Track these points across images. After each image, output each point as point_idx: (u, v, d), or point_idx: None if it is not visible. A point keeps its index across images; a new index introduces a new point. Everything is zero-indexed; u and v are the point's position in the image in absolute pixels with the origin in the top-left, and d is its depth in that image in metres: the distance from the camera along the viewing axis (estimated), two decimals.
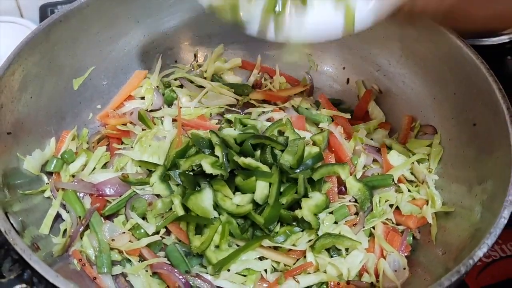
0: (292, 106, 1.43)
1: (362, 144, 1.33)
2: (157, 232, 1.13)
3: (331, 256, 1.12)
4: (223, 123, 1.42)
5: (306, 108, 1.41)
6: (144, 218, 1.16)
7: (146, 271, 1.09)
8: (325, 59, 1.52)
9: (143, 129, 1.33)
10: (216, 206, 1.12)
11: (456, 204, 1.15)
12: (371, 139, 1.35)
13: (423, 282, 1.06)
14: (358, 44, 1.44)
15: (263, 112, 1.42)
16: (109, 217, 1.18)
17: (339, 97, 1.49)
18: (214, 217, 1.11)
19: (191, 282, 1.06)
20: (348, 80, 1.49)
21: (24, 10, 1.91)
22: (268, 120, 1.38)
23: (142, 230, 1.12)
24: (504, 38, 1.79)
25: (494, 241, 0.90)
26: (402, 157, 1.29)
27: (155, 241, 1.11)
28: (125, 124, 1.34)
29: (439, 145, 1.26)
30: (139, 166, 1.25)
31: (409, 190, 1.24)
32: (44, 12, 1.87)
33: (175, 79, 1.48)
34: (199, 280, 1.06)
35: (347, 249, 1.13)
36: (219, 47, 1.53)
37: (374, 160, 1.33)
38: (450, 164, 1.23)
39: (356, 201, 1.22)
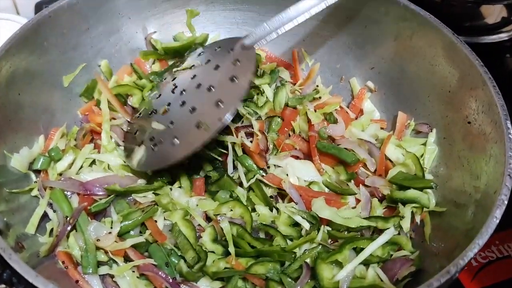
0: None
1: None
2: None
3: None
4: None
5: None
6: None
7: (133, 271, 1.07)
8: (319, 57, 1.49)
9: None
10: None
11: (450, 203, 1.13)
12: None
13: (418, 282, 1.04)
14: (352, 42, 1.42)
15: None
16: (97, 217, 1.16)
17: (334, 95, 1.46)
18: None
19: None
20: (342, 78, 1.47)
21: (20, 7, 1.90)
22: None
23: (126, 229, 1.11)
24: (503, 36, 1.77)
25: (486, 241, 0.88)
26: (399, 149, 1.27)
27: (141, 242, 1.10)
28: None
29: (434, 143, 1.24)
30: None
31: None
32: (39, 9, 1.85)
33: None
34: (185, 287, 1.06)
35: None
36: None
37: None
38: (444, 162, 1.21)
39: None
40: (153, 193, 1.21)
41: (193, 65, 1.29)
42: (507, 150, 0.97)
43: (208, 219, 1.19)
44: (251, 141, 1.28)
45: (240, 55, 1.18)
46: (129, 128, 1.32)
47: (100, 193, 1.17)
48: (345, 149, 1.26)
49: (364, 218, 1.14)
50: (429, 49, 1.24)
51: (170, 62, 1.47)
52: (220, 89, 1.15)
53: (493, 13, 1.82)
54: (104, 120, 1.27)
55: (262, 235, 1.18)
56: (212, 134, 1.10)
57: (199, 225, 1.17)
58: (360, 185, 1.23)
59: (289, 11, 1.14)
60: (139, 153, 1.21)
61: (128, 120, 1.33)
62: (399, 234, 1.14)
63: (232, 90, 1.12)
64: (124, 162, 1.25)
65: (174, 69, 1.34)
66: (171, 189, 1.22)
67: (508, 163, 0.96)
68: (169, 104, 1.24)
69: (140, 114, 1.31)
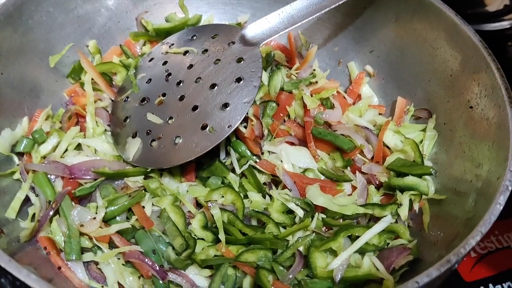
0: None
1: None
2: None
3: None
4: None
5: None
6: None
7: (118, 258, 1.03)
8: (317, 40, 1.44)
9: None
10: None
11: (449, 191, 1.09)
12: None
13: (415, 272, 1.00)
14: (351, 24, 1.37)
15: None
16: (82, 202, 1.12)
17: (331, 79, 1.41)
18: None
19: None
20: (340, 61, 1.43)
21: None
22: None
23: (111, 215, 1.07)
24: (505, 24, 1.74)
25: (488, 230, 0.84)
26: (397, 136, 1.23)
27: (127, 228, 1.06)
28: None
29: (434, 129, 1.20)
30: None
31: None
32: None
33: None
34: (173, 274, 1.02)
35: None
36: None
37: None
38: (444, 149, 1.17)
39: None
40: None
41: (187, 51, 1.24)
42: None
43: (198, 205, 1.15)
44: (244, 126, 1.23)
45: (244, 53, 1.15)
46: (113, 110, 1.27)
47: (87, 177, 1.13)
48: (341, 136, 1.22)
49: (360, 206, 1.10)
50: (431, 31, 1.19)
51: None
52: (225, 89, 1.12)
53: (495, 1, 1.79)
54: (89, 102, 1.22)
55: (254, 223, 1.14)
56: (220, 140, 1.07)
57: (189, 211, 1.13)
58: (357, 171, 1.19)
59: (293, 8, 1.13)
60: (134, 145, 1.16)
61: (112, 99, 1.28)
62: (396, 222, 1.10)
63: (239, 94, 1.10)
64: (113, 149, 1.21)
65: (164, 50, 1.28)
66: (161, 174, 1.18)
67: None
68: (164, 95, 1.19)
69: (128, 97, 1.25)
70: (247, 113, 1.23)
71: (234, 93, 1.10)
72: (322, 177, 1.20)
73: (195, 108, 1.12)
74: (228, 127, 1.07)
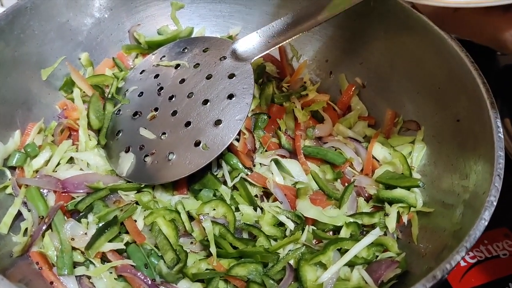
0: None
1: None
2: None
3: None
4: None
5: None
6: None
7: (111, 273, 1.04)
8: (308, 52, 1.46)
9: None
10: None
11: (438, 203, 1.10)
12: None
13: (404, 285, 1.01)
14: (341, 36, 1.39)
15: None
16: (74, 216, 1.12)
17: (322, 91, 1.43)
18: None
19: None
20: (331, 73, 1.44)
21: None
22: None
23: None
24: None
25: (478, 239, 0.85)
26: (385, 148, 1.24)
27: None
28: None
29: (422, 141, 1.21)
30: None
31: None
32: None
33: None
34: None
35: None
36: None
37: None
38: (432, 161, 1.18)
39: None
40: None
41: (178, 64, 1.25)
42: (497, 150, 0.94)
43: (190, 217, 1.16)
44: (236, 139, 1.24)
45: (235, 69, 1.16)
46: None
47: (79, 191, 1.14)
48: (331, 151, 1.24)
49: (349, 216, 1.12)
50: (419, 44, 1.21)
51: None
52: (217, 105, 1.13)
53: None
54: (81, 116, 1.22)
55: (245, 236, 1.15)
56: (213, 158, 1.08)
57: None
58: (346, 184, 1.20)
59: (284, 23, 1.14)
60: (127, 160, 1.17)
61: None
62: (385, 235, 1.11)
63: (232, 110, 1.11)
64: (105, 163, 1.21)
65: (155, 62, 1.29)
66: (153, 187, 1.18)
67: (498, 163, 0.92)
68: (156, 109, 1.20)
69: (119, 111, 1.26)
70: None
71: (226, 109, 1.11)
72: (314, 188, 1.21)
73: (188, 124, 1.13)
74: (222, 144, 1.09)
